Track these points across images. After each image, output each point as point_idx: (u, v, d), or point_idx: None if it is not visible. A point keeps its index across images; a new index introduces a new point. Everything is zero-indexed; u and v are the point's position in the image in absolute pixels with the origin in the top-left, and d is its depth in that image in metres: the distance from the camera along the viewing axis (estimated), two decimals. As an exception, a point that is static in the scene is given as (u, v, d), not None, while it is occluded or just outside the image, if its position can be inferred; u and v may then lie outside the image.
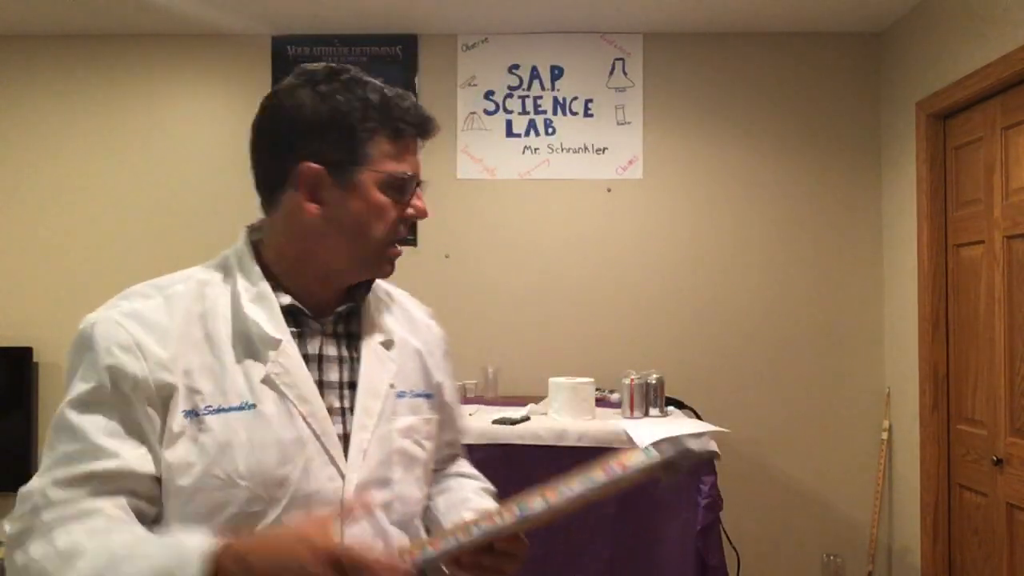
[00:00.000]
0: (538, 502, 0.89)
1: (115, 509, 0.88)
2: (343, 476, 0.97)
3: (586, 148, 3.38)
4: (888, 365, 3.29)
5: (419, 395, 1.10)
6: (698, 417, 2.87)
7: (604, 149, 3.37)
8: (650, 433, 2.32)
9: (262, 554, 0.78)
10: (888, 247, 3.30)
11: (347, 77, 0.97)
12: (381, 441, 1.02)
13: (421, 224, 3.36)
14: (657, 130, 3.37)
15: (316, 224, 0.97)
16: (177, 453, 0.90)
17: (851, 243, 3.34)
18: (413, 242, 3.36)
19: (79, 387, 0.89)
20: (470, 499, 1.15)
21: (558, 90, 3.39)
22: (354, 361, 1.04)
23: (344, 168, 0.96)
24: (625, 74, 3.38)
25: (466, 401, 3.01)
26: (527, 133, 3.38)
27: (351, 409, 1.01)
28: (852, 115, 3.35)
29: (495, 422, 2.44)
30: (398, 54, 3.38)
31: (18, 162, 3.38)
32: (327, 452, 0.96)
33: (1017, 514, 2.49)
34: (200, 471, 0.90)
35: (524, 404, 2.72)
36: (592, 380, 2.62)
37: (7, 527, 0.86)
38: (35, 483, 0.88)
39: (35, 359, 3.30)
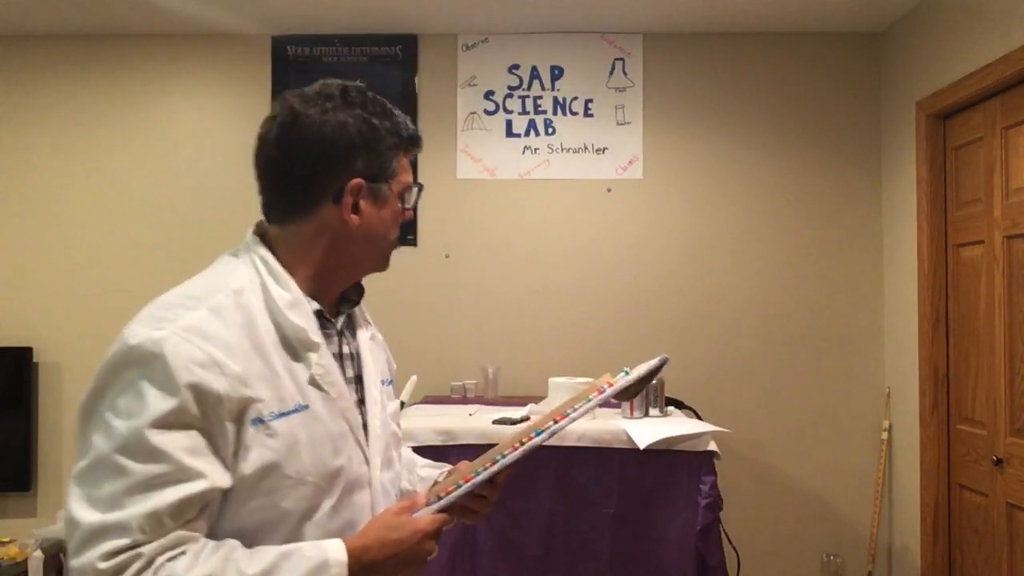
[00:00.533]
0: (550, 424, 1.08)
1: (206, 532, 0.92)
2: (368, 462, 1.09)
3: (586, 148, 3.38)
4: (888, 365, 3.29)
5: (390, 383, 1.25)
6: (698, 417, 2.87)
7: (604, 149, 3.37)
8: (650, 433, 2.32)
9: (379, 549, 0.96)
10: (888, 247, 3.30)
11: (367, 99, 1.07)
12: (384, 427, 1.14)
13: (421, 224, 3.36)
14: (657, 130, 3.37)
15: (351, 232, 1.06)
16: (252, 462, 0.93)
17: (851, 243, 3.34)
18: (413, 242, 3.36)
19: (157, 406, 0.87)
20: (416, 460, 1.35)
21: (558, 90, 3.39)
22: (358, 357, 1.15)
23: (379, 182, 1.07)
24: (625, 74, 3.38)
25: (466, 401, 3.01)
26: (527, 133, 3.38)
27: (363, 401, 1.12)
28: (852, 115, 3.35)
29: (495, 422, 2.44)
30: (398, 54, 3.38)
31: (18, 162, 3.38)
32: (358, 442, 1.07)
33: (1017, 514, 2.49)
34: (276, 474, 0.95)
35: (524, 404, 2.71)
36: (592, 380, 2.61)
37: (99, 564, 0.84)
38: (120, 514, 0.85)
39: (35, 359, 3.30)
